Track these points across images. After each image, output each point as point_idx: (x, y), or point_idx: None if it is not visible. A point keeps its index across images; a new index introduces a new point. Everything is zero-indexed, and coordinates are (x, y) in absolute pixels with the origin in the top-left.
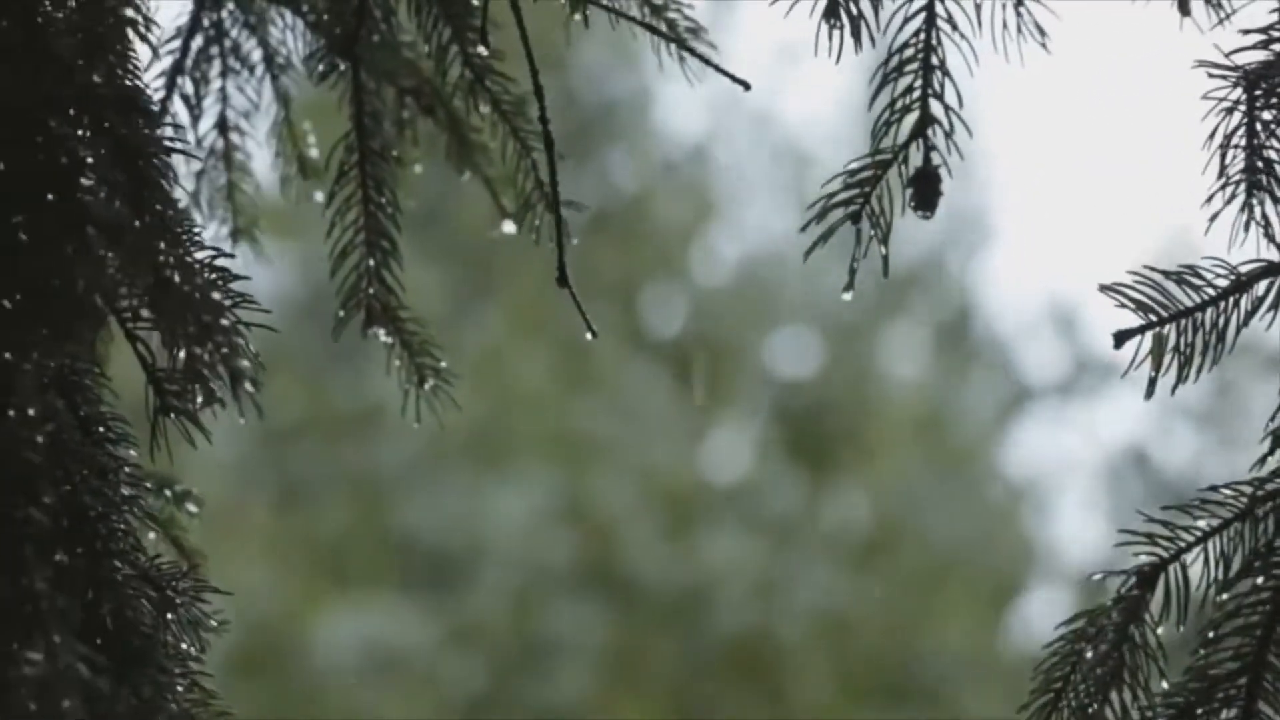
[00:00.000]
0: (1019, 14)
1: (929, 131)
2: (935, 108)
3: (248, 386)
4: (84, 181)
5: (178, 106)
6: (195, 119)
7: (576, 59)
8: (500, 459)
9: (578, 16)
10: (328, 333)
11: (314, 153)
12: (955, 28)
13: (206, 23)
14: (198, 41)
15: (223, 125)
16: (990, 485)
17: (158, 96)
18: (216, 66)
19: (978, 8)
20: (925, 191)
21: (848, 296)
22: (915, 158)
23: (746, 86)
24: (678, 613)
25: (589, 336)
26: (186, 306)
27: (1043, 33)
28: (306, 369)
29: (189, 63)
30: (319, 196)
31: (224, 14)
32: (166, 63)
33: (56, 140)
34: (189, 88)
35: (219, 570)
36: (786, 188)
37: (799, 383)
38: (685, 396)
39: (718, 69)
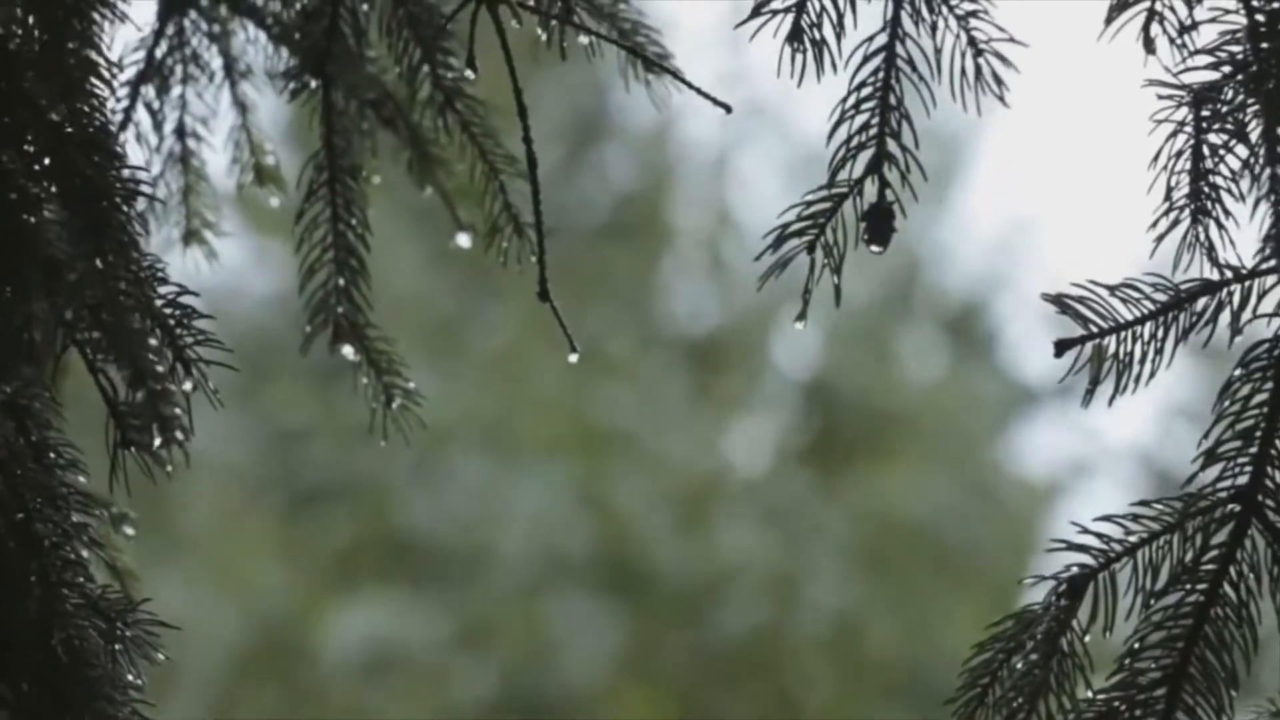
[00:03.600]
0: (978, 65)
1: (884, 168)
2: (891, 146)
3: (177, 435)
4: (33, 219)
5: (140, 114)
6: (159, 127)
7: (588, 59)
8: (512, 456)
9: (543, 37)
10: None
11: (270, 159)
12: (915, 69)
13: (170, 30)
14: (161, 49)
15: (180, 131)
16: (1003, 486)
17: (121, 106)
18: (178, 73)
19: (937, 52)
20: (878, 227)
21: (800, 325)
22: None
23: (728, 109)
24: (689, 610)
25: (571, 357)
26: (130, 347)
27: (1000, 83)
28: (313, 368)
29: (153, 72)
30: (274, 203)
31: (186, 22)
32: (130, 72)
33: (6, 176)
34: (152, 96)
35: (229, 571)
36: (803, 188)
37: (813, 382)
38: (701, 394)
39: (700, 92)
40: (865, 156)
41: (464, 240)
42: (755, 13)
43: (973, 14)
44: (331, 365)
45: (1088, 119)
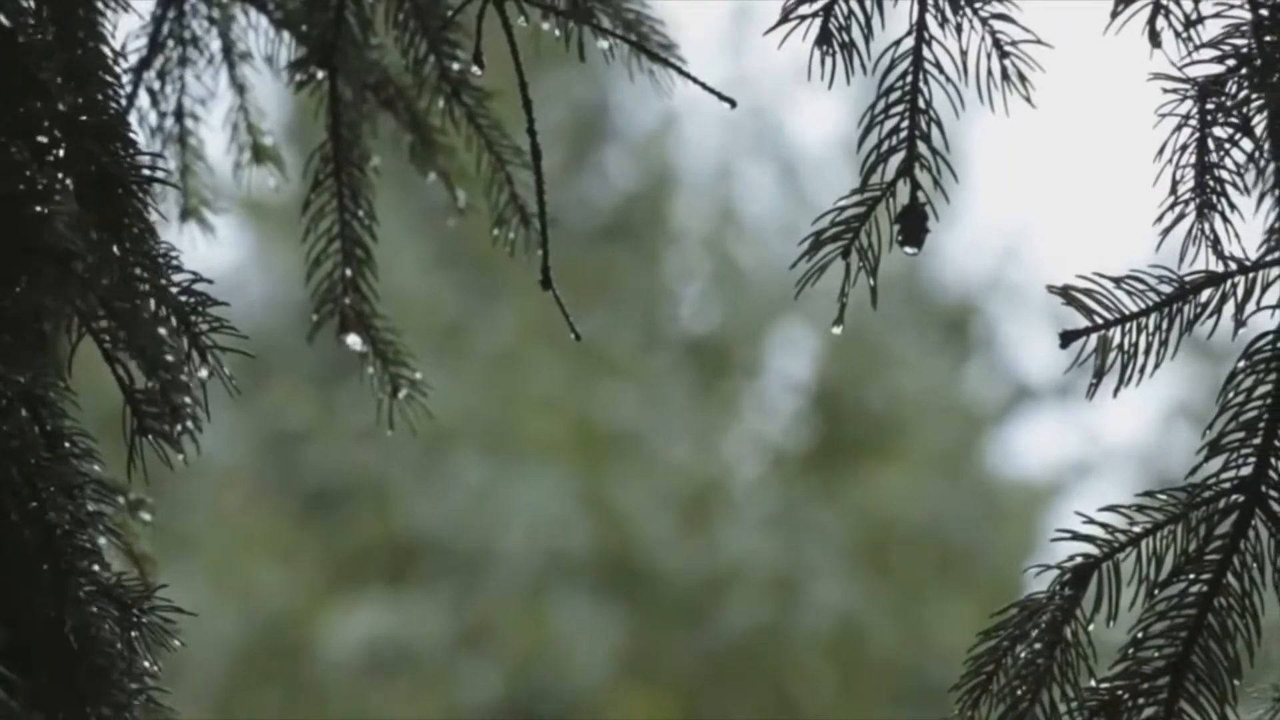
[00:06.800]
0: (1004, 66)
1: (915, 170)
2: (921, 148)
3: (189, 424)
4: (42, 210)
5: (143, 99)
6: (160, 114)
7: (590, 60)
8: (514, 457)
9: (550, 28)
10: (330, 332)
11: (268, 140)
12: (941, 71)
13: (171, 14)
14: (162, 33)
15: (179, 112)
16: (1003, 487)
17: (125, 92)
18: (176, 56)
19: (963, 54)
20: (912, 228)
21: (837, 330)
22: (904, 195)
23: (732, 104)
24: (690, 611)
25: (573, 338)
26: (141, 336)
27: (1026, 83)
28: (314, 369)
29: (155, 57)
30: (271, 183)
31: (187, 6)
32: (132, 59)
33: (15, 167)
34: (153, 78)
35: (229, 572)
36: (801, 193)
37: (814, 384)
38: (703, 396)
39: (704, 86)
40: (896, 160)
41: (453, 224)
42: (784, 18)
43: (997, 16)
44: (332, 366)
45: (1082, 119)
